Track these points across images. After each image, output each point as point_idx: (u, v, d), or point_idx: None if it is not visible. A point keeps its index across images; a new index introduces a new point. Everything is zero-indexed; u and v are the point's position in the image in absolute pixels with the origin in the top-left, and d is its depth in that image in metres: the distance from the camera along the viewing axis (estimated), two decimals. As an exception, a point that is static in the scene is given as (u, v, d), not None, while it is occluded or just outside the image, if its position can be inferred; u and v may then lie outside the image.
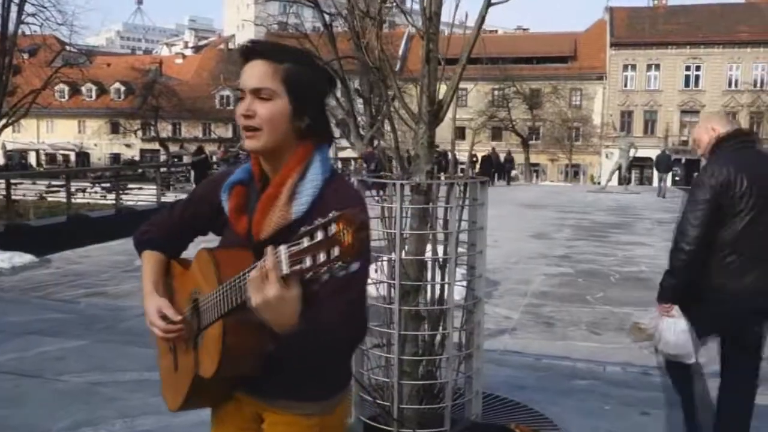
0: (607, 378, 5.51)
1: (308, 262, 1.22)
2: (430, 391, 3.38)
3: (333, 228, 1.20)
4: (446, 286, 3.29)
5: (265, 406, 1.68)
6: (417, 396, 3.32)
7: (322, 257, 1.21)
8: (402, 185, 3.14)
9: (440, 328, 3.37)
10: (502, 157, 34.01)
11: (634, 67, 45.63)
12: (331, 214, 1.22)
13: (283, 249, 1.27)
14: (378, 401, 3.33)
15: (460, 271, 3.56)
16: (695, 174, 3.23)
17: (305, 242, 1.23)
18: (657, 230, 15.02)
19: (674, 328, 3.17)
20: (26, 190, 18.68)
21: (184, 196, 1.96)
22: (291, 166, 1.59)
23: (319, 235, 1.21)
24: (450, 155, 4.01)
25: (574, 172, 46.49)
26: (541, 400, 4.17)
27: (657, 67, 45.25)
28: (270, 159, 1.62)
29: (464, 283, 3.45)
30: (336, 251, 1.20)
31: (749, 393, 3.24)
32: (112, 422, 3.74)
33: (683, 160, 40.33)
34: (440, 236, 3.35)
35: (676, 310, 3.19)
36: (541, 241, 13.15)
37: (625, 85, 45.94)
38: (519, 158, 42.04)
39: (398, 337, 3.20)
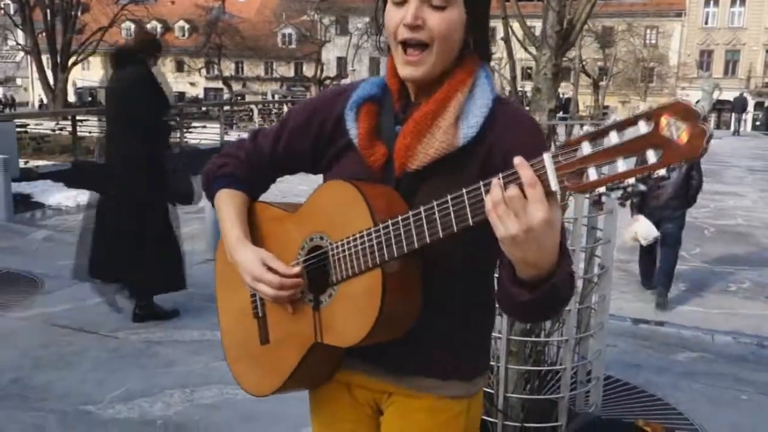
0: (718, 350, 4.94)
1: (593, 174, 0.91)
2: (538, 376, 2.82)
3: (648, 124, 0.87)
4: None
5: (393, 386, 1.32)
6: (523, 381, 2.77)
7: (622, 165, 0.89)
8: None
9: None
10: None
11: (716, 2, 42.62)
12: (646, 109, 0.87)
13: (547, 158, 0.96)
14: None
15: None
16: None
17: (586, 148, 0.92)
18: (749, 179, 13.92)
19: (645, 226, 5.61)
20: (92, 127, 18.65)
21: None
22: (458, 79, 1.23)
23: (618, 137, 0.89)
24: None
25: (646, 115, 44.20)
26: (660, 383, 3.54)
27: (742, 2, 42.16)
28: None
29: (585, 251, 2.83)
30: (651, 155, 0.86)
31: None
32: (170, 393, 3.32)
33: (766, 103, 37.92)
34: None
35: (641, 217, 5.66)
36: (621, 189, 12.33)
37: (706, 23, 43.04)
38: (587, 100, 40.12)
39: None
